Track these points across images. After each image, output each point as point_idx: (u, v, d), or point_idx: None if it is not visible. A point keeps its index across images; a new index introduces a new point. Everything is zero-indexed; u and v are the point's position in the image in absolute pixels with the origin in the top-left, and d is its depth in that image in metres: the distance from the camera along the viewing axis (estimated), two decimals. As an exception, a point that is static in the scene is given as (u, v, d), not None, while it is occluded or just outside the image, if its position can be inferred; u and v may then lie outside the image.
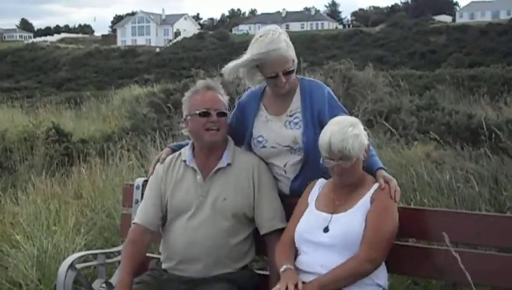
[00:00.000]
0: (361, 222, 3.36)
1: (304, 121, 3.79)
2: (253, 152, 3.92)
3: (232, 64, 3.76)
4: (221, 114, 3.78)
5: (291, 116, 3.84)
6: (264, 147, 3.86)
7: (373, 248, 3.29)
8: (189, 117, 3.83)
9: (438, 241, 3.80)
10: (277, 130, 3.84)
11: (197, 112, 3.76)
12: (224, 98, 3.85)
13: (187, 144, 3.96)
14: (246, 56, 3.72)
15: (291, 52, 3.72)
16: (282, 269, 3.39)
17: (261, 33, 3.73)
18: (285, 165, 3.85)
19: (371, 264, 3.29)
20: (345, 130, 3.36)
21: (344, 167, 3.38)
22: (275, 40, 3.65)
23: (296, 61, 3.77)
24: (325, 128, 3.45)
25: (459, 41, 75.43)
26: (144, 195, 3.99)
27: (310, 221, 3.50)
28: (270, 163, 3.90)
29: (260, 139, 3.87)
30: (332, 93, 3.88)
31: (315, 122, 3.75)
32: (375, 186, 3.48)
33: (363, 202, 3.42)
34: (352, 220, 3.37)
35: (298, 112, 3.83)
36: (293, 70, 3.75)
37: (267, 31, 3.71)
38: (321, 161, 3.46)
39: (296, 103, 3.85)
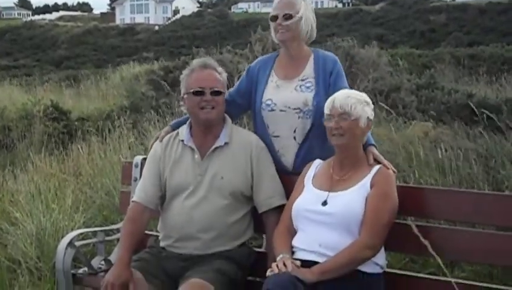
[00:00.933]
0: (361, 203, 3.36)
1: (316, 86, 3.87)
2: (260, 117, 3.95)
3: None
4: (216, 93, 3.78)
5: (303, 80, 3.92)
6: (272, 110, 3.90)
7: (373, 234, 3.30)
8: (185, 95, 3.85)
9: (436, 219, 3.82)
10: (287, 93, 3.90)
11: (191, 90, 3.78)
12: (222, 76, 3.86)
13: (187, 120, 3.97)
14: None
15: (297, 6, 3.90)
16: (278, 259, 3.40)
17: None
18: (294, 131, 3.88)
19: (371, 250, 3.31)
20: (351, 93, 3.53)
21: (342, 124, 3.42)
22: None
23: (301, 16, 3.92)
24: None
25: (458, 20, 75.09)
26: (143, 174, 3.99)
27: (307, 198, 3.51)
28: (275, 136, 3.92)
29: (269, 102, 3.92)
30: (342, 68, 4.00)
31: (327, 88, 3.85)
32: (375, 169, 3.48)
33: (363, 184, 3.42)
34: (352, 200, 3.37)
35: (312, 77, 3.92)
36: (290, 16, 3.88)
37: None
38: (323, 120, 3.54)
39: (309, 69, 3.95)
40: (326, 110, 3.50)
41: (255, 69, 4.08)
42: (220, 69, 3.89)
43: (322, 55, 3.98)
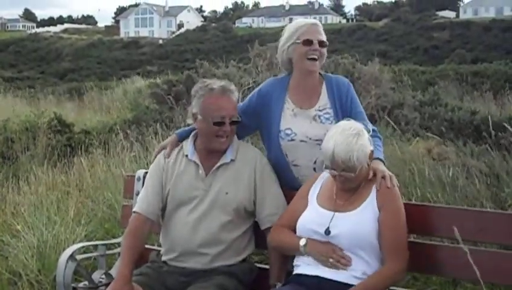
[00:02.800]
0: (370, 223, 3.33)
1: (335, 116, 3.84)
2: (277, 145, 3.88)
3: (280, 44, 3.95)
4: (235, 122, 3.77)
5: (321, 110, 3.88)
6: (292, 140, 3.85)
7: (400, 257, 3.30)
8: (200, 117, 3.77)
9: (438, 237, 3.81)
10: (306, 124, 3.86)
11: (212, 120, 3.71)
12: (236, 98, 3.83)
13: (192, 130, 3.93)
14: (287, 34, 3.92)
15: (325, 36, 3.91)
16: (302, 243, 3.40)
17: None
18: (315, 162, 3.84)
19: (402, 273, 3.32)
20: (349, 141, 3.31)
21: (348, 176, 3.36)
22: (313, 20, 4.00)
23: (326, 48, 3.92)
24: (329, 134, 3.41)
25: (462, 37, 75.42)
26: (145, 184, 3.96)
27: (312, 218, 3.47)
28: (295, 165, 3.89)
29: (288, 132, 3.87)
30: (354, 91, 3.97)
31: (345, 116, 3.77)
32: (374, 187, 3.45)
33: (369, 203, 3.39)
34: (359, 222, 3.34)
35: (328, 107, 3.88)
36: (326, 45, 3.88)
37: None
38: (323, 168, 3.46)
39: (324, 98, 3.91)
40: (326, 161, 3.40)
41: (266, 93, 3.98)
42: (235, 91, 3.84)
43: (335, 82, 3.94)
